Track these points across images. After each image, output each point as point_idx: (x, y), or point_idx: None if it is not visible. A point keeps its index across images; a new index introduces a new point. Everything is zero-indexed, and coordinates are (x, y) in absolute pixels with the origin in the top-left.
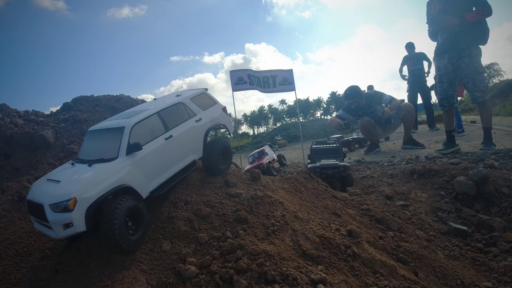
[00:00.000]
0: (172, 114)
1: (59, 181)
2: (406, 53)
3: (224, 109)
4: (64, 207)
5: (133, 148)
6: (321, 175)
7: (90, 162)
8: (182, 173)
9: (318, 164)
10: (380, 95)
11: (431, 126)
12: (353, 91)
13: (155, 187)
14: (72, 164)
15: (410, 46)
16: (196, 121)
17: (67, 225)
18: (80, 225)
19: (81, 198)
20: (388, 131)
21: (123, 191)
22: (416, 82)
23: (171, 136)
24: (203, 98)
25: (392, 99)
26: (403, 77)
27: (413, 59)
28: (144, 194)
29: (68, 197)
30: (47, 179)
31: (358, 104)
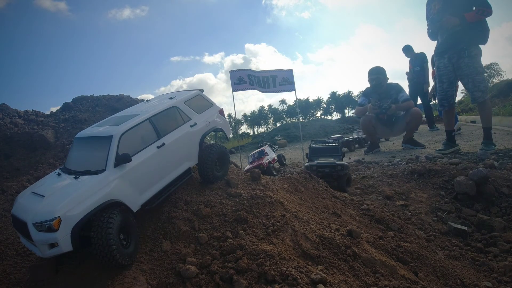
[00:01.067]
0: (165, 119)
1: (44, 196)
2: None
3: (221, 111)
4: (48, 226)
5: (121, 159)
6: (318, 174)
7: (76, 174)
8: (176, 183)
9: (315, 162)
10: (399, 89)
11: (431, 126)
12: (377, 67)
13: (146, 199)
14: (59, 174)
15: (406, 49)
16: (191, 126)
17: (53, 245)
18: (66, 245)
19: (66, 216)
20: (395, 132)
21: (112, 205)
22: (414, 83)
23: (163, 144)
24: (199, 100)
25: (407, 99)
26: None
27: (412, 61)
28: (135, 207)
29: (52, 216)
30: (32, 192)
31: (379, 83)
